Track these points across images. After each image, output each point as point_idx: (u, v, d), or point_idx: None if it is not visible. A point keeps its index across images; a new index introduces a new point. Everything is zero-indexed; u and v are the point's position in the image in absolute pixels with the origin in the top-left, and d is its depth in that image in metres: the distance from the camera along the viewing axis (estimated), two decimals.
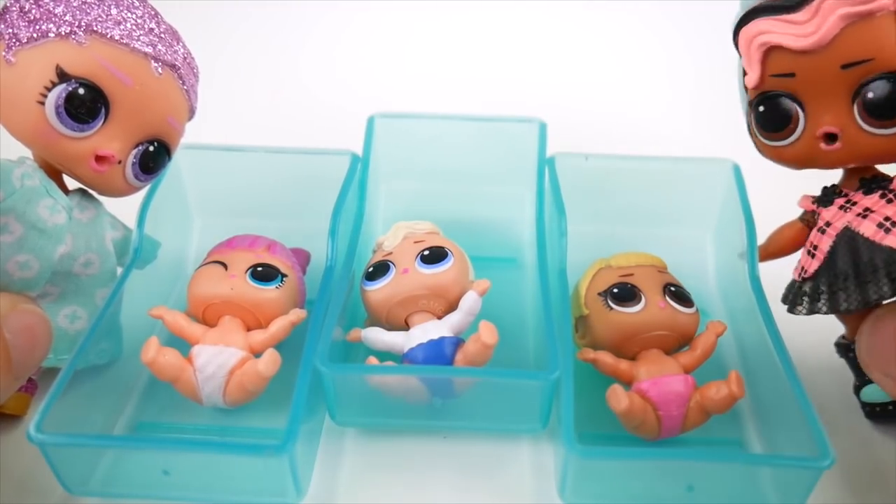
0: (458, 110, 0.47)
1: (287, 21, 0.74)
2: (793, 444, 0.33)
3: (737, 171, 0.43)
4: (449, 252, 0.38)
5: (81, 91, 0.34)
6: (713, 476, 0.32)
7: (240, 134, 0.49)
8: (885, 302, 0.33)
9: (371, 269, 0.39)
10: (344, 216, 0.42)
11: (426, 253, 0.38)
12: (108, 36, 0.34)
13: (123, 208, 0.41)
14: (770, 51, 0.33)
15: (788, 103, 0.34)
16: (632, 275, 0.38)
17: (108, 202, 0.40)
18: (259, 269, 0.39)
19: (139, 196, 0.41)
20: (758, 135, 0.36)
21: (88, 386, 0.36)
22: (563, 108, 0.53)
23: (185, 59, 0.38)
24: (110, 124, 0.35)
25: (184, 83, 0.38)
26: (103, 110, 0.35)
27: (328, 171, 0.45)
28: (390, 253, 0.39)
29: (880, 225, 0.32)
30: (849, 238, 0.34)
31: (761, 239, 0.41)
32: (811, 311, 0.35)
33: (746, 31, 0.34)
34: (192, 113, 0.40)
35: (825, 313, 0.35)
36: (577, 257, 0.41)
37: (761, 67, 0.34)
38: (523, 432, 0.38)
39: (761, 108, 0.35)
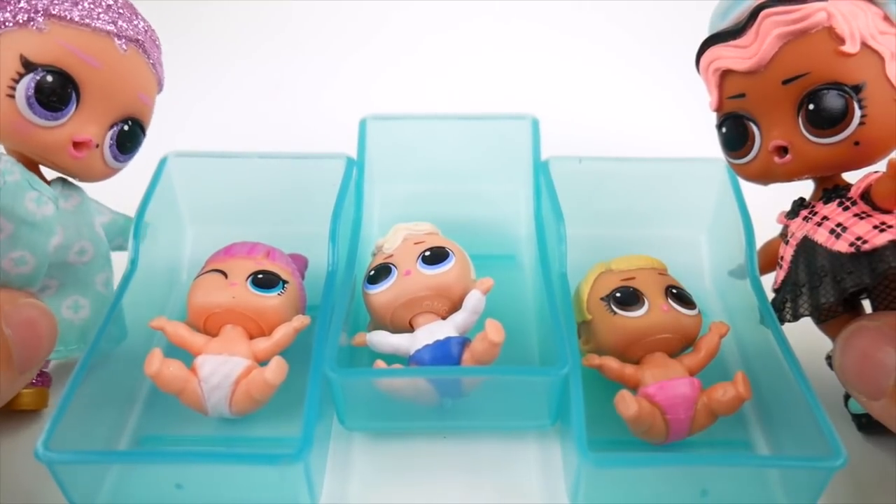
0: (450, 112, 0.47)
1: (273, 26, 0.72)
2: (798, 444, 0.34)
3: (730, 170, 0.43)
4: (450, 252, 0.38)
5: (50, 79, 0.33)
6: (726, 479, 0.32)
7: (228, 140, 0.48)
8: (857, 319, 0.33)
9: (372, 273, 0.39)
10: (342, 220, 0.41)
11: (427, 254, 0.38)
12: (68, 18, 0.33)
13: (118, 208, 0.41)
14: (724, 75, 0.36)
15: (744, 122, 0.36)
16: (633, 278, 0.38)
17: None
18: (260, 276, 0.38)
19: (134, 201, 0.40)
20: (725, 155, 0.38)
21: (91, 400, 0.35)
22: (556, 108, 0.53)
23: (146, 32, 0.37)
24: (83, 108, 0.35)
25: (149, 57, 0.37)
26: (74, 95, 0.34)
27: (321, 176, 0.44)
28: (391, 255, 0.39)
29: (832, 231, 0.33)
30: (807, 247, 0.35)
31: (759, 240, 0.41)
32: (781, 321, 0.36)
33: (704, 58, 0.37)
34: (160, 86, 0.39)
35: (790, 321, 0.35)
36: (573, 259, 0.41)
37: (718, 91, 0.37)
38: (532, 429, 0.38)
39: (723, 130, 0.37)
